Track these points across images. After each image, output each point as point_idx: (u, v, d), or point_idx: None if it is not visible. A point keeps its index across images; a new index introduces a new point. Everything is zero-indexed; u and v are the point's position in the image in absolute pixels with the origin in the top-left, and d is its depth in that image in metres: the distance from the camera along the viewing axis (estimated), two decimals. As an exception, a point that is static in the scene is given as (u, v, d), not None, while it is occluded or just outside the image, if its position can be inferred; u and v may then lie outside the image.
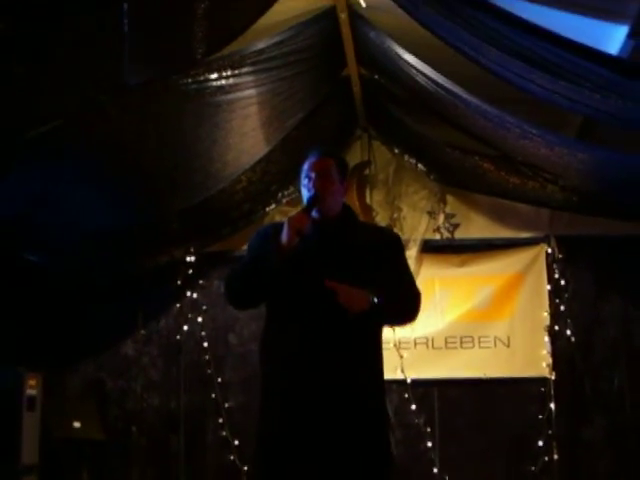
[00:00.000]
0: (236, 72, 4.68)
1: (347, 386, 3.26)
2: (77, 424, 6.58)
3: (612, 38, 4.57)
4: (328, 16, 5.02)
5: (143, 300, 7.26)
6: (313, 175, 3.43)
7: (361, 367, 3.33)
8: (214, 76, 4.57)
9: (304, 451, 3.22)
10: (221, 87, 4.69)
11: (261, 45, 4.73)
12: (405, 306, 3.49)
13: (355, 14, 5.01)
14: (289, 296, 3.37)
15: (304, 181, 3.48)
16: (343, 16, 5.01)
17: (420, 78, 5.00)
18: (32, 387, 6.11)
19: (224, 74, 4.62)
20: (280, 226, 3.38)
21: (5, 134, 4.19)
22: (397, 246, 3.62)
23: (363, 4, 4.84)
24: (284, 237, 3.28)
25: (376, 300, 3.28)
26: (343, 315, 3.21)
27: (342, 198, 3.53)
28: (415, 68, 4.95)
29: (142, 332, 7.24)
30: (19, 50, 3.61)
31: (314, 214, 3.39)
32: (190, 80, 4.49)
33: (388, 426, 3.56)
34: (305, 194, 3.44)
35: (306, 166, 3.50)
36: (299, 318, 3.33)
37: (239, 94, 4.90)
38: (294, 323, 3.34)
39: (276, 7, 4.22)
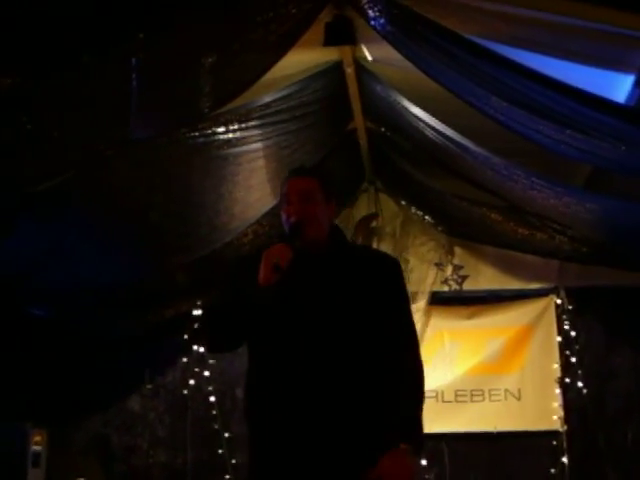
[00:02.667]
0: (243, 125, 4.69)
1: (338, 427, 2.83)
2: (82, 481, 6.50)
3: (618, 88, 4.57)
4: (334, 70, 5.05)
5: (149, 354, 7.21)
6: (294, 199, 2.96)
7: (351, 404, 2.85)
8: (221, 129, 4.59)
9: None
10: (228, 140, 4.71)
11: (268, 99, 4.75)
12: (416, 388, 2.99)
13: (361, 68, 5.03)
14: (269, 338, 2.94)
15: (283, 205, 3.01)
16: (349, 70, 5.04)
17: (427, 131, 5.01)
18: (37, 443, 6.05)
19: (231, 127, 4.64)
20: (258, 259, 2.93)
21: (11, 188, 4.19)
22: (394, 274, 3.09)
23: (369, 58, 4.87)
24: (261, 274, 2.82)
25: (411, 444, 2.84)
26: (328, 358, 2.84)
27: (329, 220, 3.06)
28: (422, 121, 4.96)
29: (148, 387, 7.18)
30: (27, 105, 3.63)
31: (296, 244, 2.88)
32: (197, 133, 4.50)
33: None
34: (285, 221, 2.98)
35: (285, 188, 3.03)
36: (280, 361, 2.91)
37: (246, 147, 4.91)
38: (275, 367, 2.93)
39: (283, 61, 4.24)
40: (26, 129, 3.76)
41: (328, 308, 2.90)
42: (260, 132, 4.89)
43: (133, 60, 3.62)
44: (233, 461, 6.89)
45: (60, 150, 4.03)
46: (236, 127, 4.66)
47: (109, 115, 3.97)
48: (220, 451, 6.92)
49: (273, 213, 6.16)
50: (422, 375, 3.02)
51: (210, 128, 4.55)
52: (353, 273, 2.98)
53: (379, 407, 2.88)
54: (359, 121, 5.90)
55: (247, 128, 4.74)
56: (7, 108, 3.57)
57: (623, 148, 4.01)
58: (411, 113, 4.98)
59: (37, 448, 6.07)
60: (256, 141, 4.94)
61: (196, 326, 3.06)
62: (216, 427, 6.97)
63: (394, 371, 2.95)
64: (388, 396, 2.90)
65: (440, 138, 4.99)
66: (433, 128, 4.94)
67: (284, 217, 2.99)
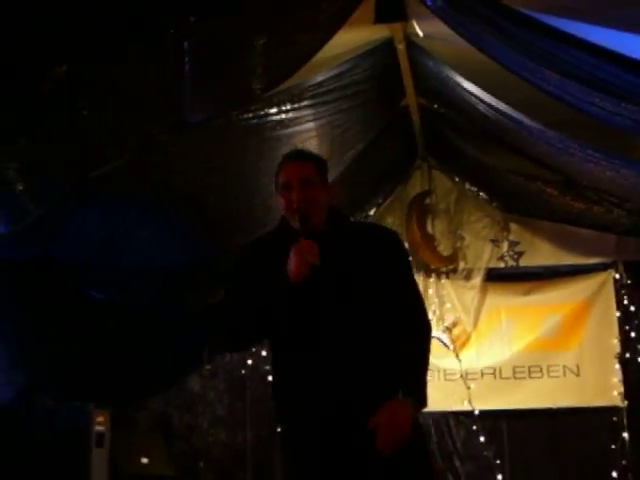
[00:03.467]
0: (295, 106, 4.70)
1: (366, 413, 2.79)
2: (145, 460, 6.60)
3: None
4: (386, 47, 5.03)
5: (208, 335, 7.29)
6: (295, 184, 2.90)
7: (377, 392, 2.85)
8: (274, 110, 4.60)
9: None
10: (281, 121, 4.72)
11: (319, 78, 4.75)
12: (422, 351, 3.00)
13: (413, 44, 5.01)
14: (291, 330, 2.93)
15: (282, 192, 2.93)
16: (401, 47, 5.02)
17: (480, 105, 4.97)
18: (100, 423, 6.15)
19: (283, 108, 4.65)
20: (262, 244, 3.08)
21: (70, 173, 4.27)
22: (396, 246, 3.09)
23: (420, 34, 4.84)
24: (293, 268, 2.79)
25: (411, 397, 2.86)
26: (351, 336, 2.86)
27: (327, 203, 3.00)
28: (474, 95, 4.92)
29: (207, 367, 7.27)
30: (81, 92, 3.68)
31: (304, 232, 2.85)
32: (250, 115, 4.52)
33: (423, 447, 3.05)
34: (286, 206, 2.93)
35: (283, 174, 2.95)
36: (304, 350, 2.91)
37: (298, 128, 4.92)
38: (300, 356, 2.92)
39: (333, 40, 4.24)
40: (82, 115, 3.82)
41: (342, 287, 2.90)
42: (312, 112, 4.89)
43: (185, 44, 3.65)
44: (292, 439, 6.94)
45: (116, 135, 4.09)
46: (288, 107, 4.67)
47: (163, 99, 4.02)
48: (278, 429, 6.97)
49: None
50: (430, 332, 3.04)
51: (263, 109, 4.57)
52: (357, 251, 2.97)
53: (395, 368, 2.90)
54: (411, 98, 5.88)
55: (299, 108, 4.76)
56: (63, 94, 3.63)
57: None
58: (463, 88, 4.94)
59: (100, 428, 6.17)
60: (308, 121, 4.95)
61: (210, 325, 2.97)
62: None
63: (409, 332, 2.98)
64: (402, 355, 2.92)
65: (493, 112, 4.94)
66: (486, 102, 4.90)
67: (284, 203, 2.93)
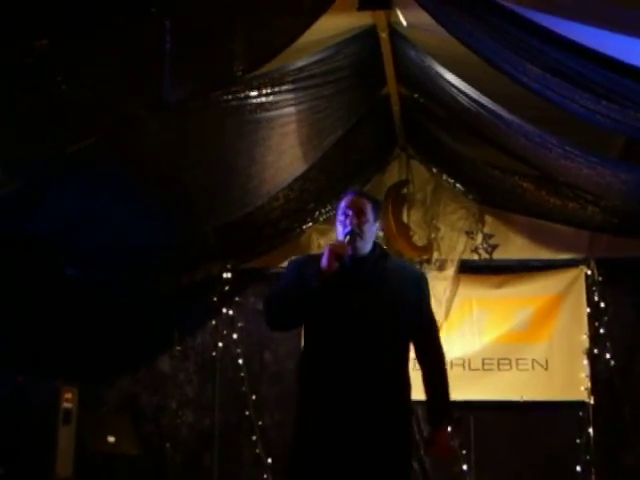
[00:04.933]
0: (276, 89, 4.69)
1: (378, 407, 3.48)
2: (112, 439, 6.59)
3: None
4: (368, 35, 5.02)
5: (179, 316, 7.28)
6: (350, 212, 3.59)
7: (392, 391, 3.57)
8: (254, 93, 4.58)
9: (335, 462, 3.42)
10: (261, 104, 4.70)
11: (301, 63, 4.74)
12: (447, 379, 3.73)
13: (395, 33, 5.00)
14: (326, 322, 3.54)
15: (340, 217, 3.64)
16: (384, 35, 5.01)
17: (461, 97, 4.98)
18: (68, 401, 6.13)
19: (264, 91, 4.63)
20: (314, 257, 3.63)
21: (46, 150, 4.23)
22: (425, 284, 3.77)
23: (404, 23, 4.83)
24: (324, 262, 3.43)
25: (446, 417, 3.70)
26: (377, 344, 3.50)
27: (373, 238, 3.68)
28: (456, 87, 4.93)
29: (178, 348, 7.26)
30: (60, 66, 3.65)
31: (349, 250, 3.53)
32: (230, 97, 4.50)
33: (410, 447, 3.76)
34: (340, 230, 3.61)
35: (343, 203, 3.65)
36: (336, 344, 3.50)
37: (278, 112, 4.91)
38: (330, 348, 3.51)
39: (316, 25, 4.22)
40: (61, 89, 3.78)
41: (378, 301, 3.54)
42: (293, 96, 4.88)
43: (167, 23, 3.62)
44: (260, 422, 6.97)
45: (94, 111, 4.06)
46: (269, 91, 4.65)
47: (143, 78, 3.99)
48: (247, 412, 7.00)
49: (304, 178, 6.19)
50: (445, 359, 3.78)
51: (243, 92, 4.54)
52: (392, 277, 3.64)
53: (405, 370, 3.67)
54: (392, 87, 5.87)
55: (280, 92, 4.74)
56: (43, 69, 3.60)
57: (658, 119, 3.97)
58: (445, 79, 4.94)
59: (68, 405, 6.15)
60: (289, 105, 4.93)
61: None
62: (244, 389, 7.05)
63: (431, 352, 3.73)
64: (430, 376, 3.72)
65: (474, 105, 4.95)
66: (467, 95, 4.91)
67: (339, 227, 3.63)
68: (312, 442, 3.49)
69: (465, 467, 6.66)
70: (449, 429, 3.69)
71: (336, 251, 3.46)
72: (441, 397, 3.68)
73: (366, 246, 3.62)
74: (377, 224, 3.69)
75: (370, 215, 3.62)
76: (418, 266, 6.93)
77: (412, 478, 3.79)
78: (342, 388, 3.45)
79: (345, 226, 3.58)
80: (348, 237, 3.53)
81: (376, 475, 3.44)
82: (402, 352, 3.62)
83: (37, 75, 3.59)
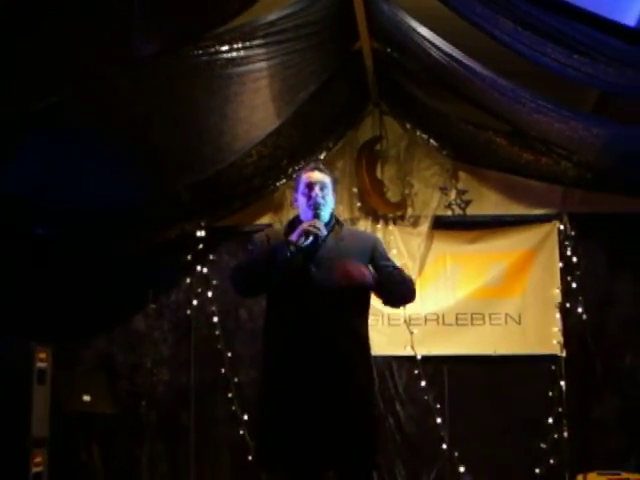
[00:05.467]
0: (247, 44, 4.62)
1: (339, 356, 3.77)
2: (87, 398, 6.59)
3: (628, 11, 4.50)
4: (341, -12, 4.96)
5: (153, 275, 7.26)
6: (314, 186, 3.95)
7: (351, 338, 3.84)
8: (225, 48, 4.52)
9: (303, 407, 3.69)
10: (232, 59, 4.63)
11: (272, 17, 4.67)
12: (405, 282, 4.01)
13: (368, -14, 4.95)
14: (288, 286, 3.84)
15: (304, 190, 3.97)
16: (356, -12, 4.96)
17: (434, 51, 4.94)
18: (42, 360, 6.11)
19: (235, 46, 4.57)
20: (277, 232, 4.13)
21: (12, 106, 4.16)
22: (380, 244, 4.13)
23: (376, -25, 4.79)
24: (295, 237, 3.78)
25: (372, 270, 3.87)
26: (336, 297, 3.78)
27: (330, 209, 4.03)
28: (429, 41, 4.89)
29: (152, 307, 7.24)
30: (26, 20, 3.57)
31: (322, 230, 3.85)
32: (201, 52, 4.43)
33: (373, 391, 4.15)
34: (304, 202, 3.96)
35: (304, 178, 4.01)
36: (297, 306, 3.81)
37: (250, 67, 4.84)
38: (292, 311, 3.82)
39: (288, -22, 4.18)
40: (26, 44, 3.71)
41: (331, 265, 3.84)
42: (264, 51, 4.81)
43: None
44: (235, 380, 6.99)
45: (61, 66, 3.99)
46: (240, 46, 4.59)
47: (111, 31, 3.92)
48: (223, 370, 7.02)
49: (278, 134, 6.14)
50: (414, 286, 4.08)
51: (214, 46, 4.47)
52: (351, 240, 4.02)
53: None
54: (365, 41, 5.81)
55: (251, 47, 4.67)
56: (6, 23, 3.52)
57: (630, 72, 3.97)
58: (418, 33, 4.90)
59: (42, 365, 6.13)
60: (260, 60, 4.87)
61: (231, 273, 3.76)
62: (219, 347, 7.06)
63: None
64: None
65: (447, 59, 4.92)
66: (440, 49, 4.88)
67: (303, 199, 3.97)
68: (278, 396, 3.77)
69: (439, 420, 6.75)
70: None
71: (310, 231, 3.78)
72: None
73: (326, 216, 3.96)
74: (334, 196, 4.07)
75: (329, 188, 4.01)
76: (392, 222, 6.95)
77: (379, 426, 4.37)
78: (303, 347, 3.75)
79: (310, 198, 3.92)
80: (318, 213, 3.88)
81: (341, 425, 3.68)
82: (361, 311, 3.95)
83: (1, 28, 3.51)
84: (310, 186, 3.96)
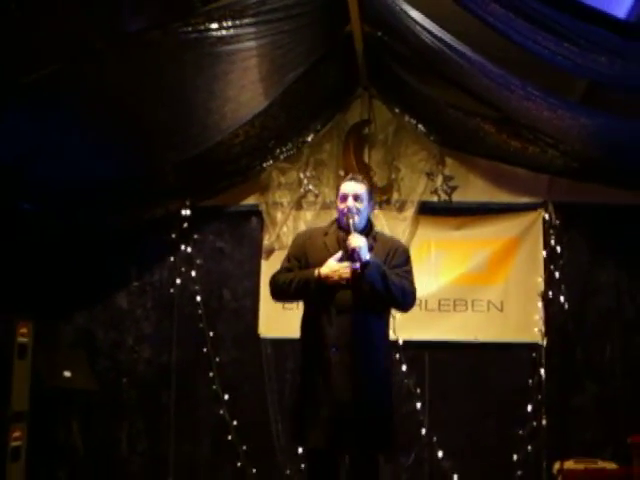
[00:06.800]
0: (237, 23, 4.58)
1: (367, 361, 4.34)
2: (68, 373, 6.59)
3: (620, 2, 4.51)
4: (332, -31, 4.93)
5: (137, 252, 7.25)
6: (349, 197, 4.48)
7: (372, 348, 4.39)
8: (214, 26, 4.48)
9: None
10: (221, 37, 4.60)
11: (263, -5, 4.64)
12: (404, 290, 4.44)
13: (360, -33, 4.92)
14: (323, 292, 4.37)
15: (340, 205, 4.51)
16: (348, -31, 4.93)
17: (425, 35, 4.92)
18: (23, 335, 6.11)
19: (224, 24, 4.53)
20: (318, 232, 4.67)
21: (1, 79, 4.13)
22: (400, 251, 4.59)
23: (369, -42, 4.76)
24: (325, 275, 4.35)
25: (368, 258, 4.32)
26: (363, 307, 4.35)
27: (367, 216, 4.58)
28: (420, 25, 4.87)
29: (135, 284, 7.24)
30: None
31: (342, 226, 4.48)
32: (190, 29, 4.40)
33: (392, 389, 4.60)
34: (339, 209, 4.52)
35: (342, 189, 4.55)
36: (329, 307, 4.36)
37: (239, 45, 4.81)
38: (326, 312, 4.36)
39: (279, -43, 4.14)
40: (14, 17, 3.68)
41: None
42: (254, 30, 4.78)
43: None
44: (217, 359, 7.00)
45: (49, 40, 3.96)
46: (230, 24, 4.55)
47: (100, 6, 3.89)
48: (204, 349, 7.02)
49: (265, 114, 6.12)
50: (412, 299, 4.60)
51: (203, 24, 4.44)
52: (382, 247, 4.53)
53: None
54: (356, 24, 5.78)
55: (241, 25, 4.63)
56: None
57: (619, 63, 3.98)
58: (410, 17, 4.88)
59: (23, 340, 6.13)
60: (250, 39, 4.83)
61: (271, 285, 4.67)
62: (201, 326, 7.06)
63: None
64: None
65: (438, 43, 4.90)
66: (431, 33, 4.85)
67: (340, 210, 4.52)
68: (311, 386, 4.37)
69: (419, 405, 6.78)
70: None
71: (339, 278, 4.33)
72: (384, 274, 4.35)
73: (361, 222, 4.49)
74: (370, 204, 4.62)
75: (364, 197, 4.51)
76: (377, 206, 6.94)
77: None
78: (332, 344, 4.31)
79: (343, 214, 4.45)
80: (350, 222, 4.39)
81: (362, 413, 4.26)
82: (384, 316, 4.55)
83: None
84: (345, 197, 4.49)
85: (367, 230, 4.51)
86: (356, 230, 4.37)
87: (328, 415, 4.23)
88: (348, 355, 4.28)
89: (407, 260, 4.59)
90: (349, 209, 4.42)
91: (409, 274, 4.55)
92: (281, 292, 4.56)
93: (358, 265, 4.26)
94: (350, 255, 4.30)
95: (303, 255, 4.55)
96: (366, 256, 4.29)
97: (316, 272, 4.36)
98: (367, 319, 4.38)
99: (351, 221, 4.38)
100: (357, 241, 4.28)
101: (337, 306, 4.33)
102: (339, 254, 4.37)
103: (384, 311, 4.54)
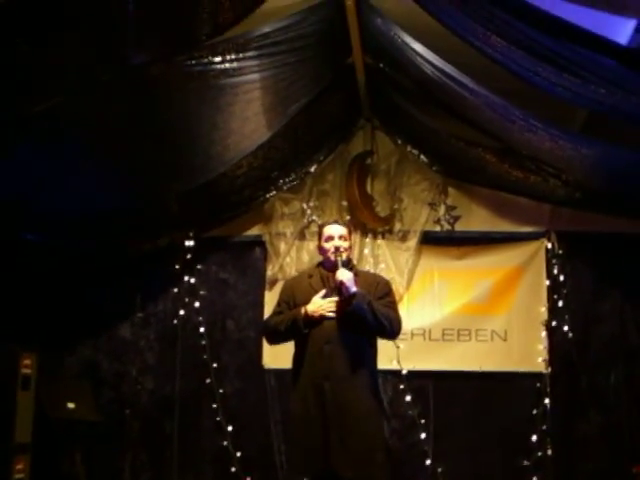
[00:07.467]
0: (240, 56, 4.64)
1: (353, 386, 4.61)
2: (71, 405, 6.58)
3: (619, 32, 4.54)
4: (334, 2, 4.98)
5: (141, 283, 7.25)
6: (336, 236, 4.84)
7: (362, 376, 4.65)
8: (218, 59, 4.54)
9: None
10: (225, 70, 4.65)
11: (266, 29, 4.69)
12: (390, 318, 4.71)
13: (362, 1, 4.97)
14: (311, 328, 4.68)
15: (326, 245, 4.85)
16: (349, 2, 4.97)
17: (426, 67, 4.96)
18: (27, 366, 6.11)
19: (228, 57, 4.58)
20: (302, 277, 5.04)
21: (7, 111, 4.16)
22: (384, 285, 4.92)
23: (370, -9, 4.81)
24: (311, 313, 4.65)
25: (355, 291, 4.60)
26: (352, 339, 4.65)
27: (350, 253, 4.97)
28: (422, 56, 4.91)
29: (139, 315, 7.24)
30: (23, 27, 3.59)
31: (327, 265, 4.86)
32: (194, 62, 4.45)
33: (382, 415, 4.96)
34: (328, 256, 4.83)
35: (327, 231, 4.89)
36: (319, 344, 4.64)
37: (243, 78, 4.86)
38: (315, 343, 4.66)
39: (282, -10, 4.20)
40: (22, 50, 3.72)
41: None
42: (257, 63, 4.83)
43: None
44: (220, 390, 6.98)
45: (56, 73, 4.00)
46: (233, 57, 4.60)
47: (106, 38, 3.93)
48: (208, 380, 7.01)
49: (269, 146, 6.16)
50: (398, 328, 4.85)
51: (207, 57, 4.50)
52: (364, 282, 4.80)
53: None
54: (358, 56, 5.83)
55: (244, 58, 4.69)
56: (2, 28, 3.53)
57: (619, 94, 4.00)
58: (411, 49, 4.92)
59: (27, 371, 6.13)
60: (253, 72, 4.88)
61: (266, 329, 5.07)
62: (205, 357, 7.05)
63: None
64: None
65: (439, 74, 4.94)
66: (433, 65, 4.89)
67: (327, 249, 4.85)
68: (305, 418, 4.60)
69: (423, 435, 6.75)
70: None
71: (325, 312, 4.63)
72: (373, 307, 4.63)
73: (346, 259, 4.80)
74: (350, 241, 4.95)
75: (347, 238, 4.88)
76: (380, 236, 6.96)
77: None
78: (324, 375, 4.57)
79: (332, 252, 4.79)
80: (339, 259, 4.73)
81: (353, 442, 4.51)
82: (372, 346, 4.81)
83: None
84: (331, 237, 4.82)
85: (350, 266, 4.84)
86: (343, 266, 4.67)
87: (322, 444, 4.46)
88: (338, 384, 4.53)
89: (390, 292, 4.92)
90: (337, 248, 4.76)
91: (394, 304, 4.88)
92: (274, 333, 4.88)
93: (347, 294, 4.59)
94: (338, 288, 4.63)
95: (292, 298, 4.87)
96: (353, 288, 4.57)
97: (303, 310, 4.67)
98: (355, 349, 4.64)
99: (339, 258, 4.70)
100: (344, 275, 4.59)
101: (325, 338, 4.60)
102: (323, 291, 4.70)
103: (371, 340, 4.79)
